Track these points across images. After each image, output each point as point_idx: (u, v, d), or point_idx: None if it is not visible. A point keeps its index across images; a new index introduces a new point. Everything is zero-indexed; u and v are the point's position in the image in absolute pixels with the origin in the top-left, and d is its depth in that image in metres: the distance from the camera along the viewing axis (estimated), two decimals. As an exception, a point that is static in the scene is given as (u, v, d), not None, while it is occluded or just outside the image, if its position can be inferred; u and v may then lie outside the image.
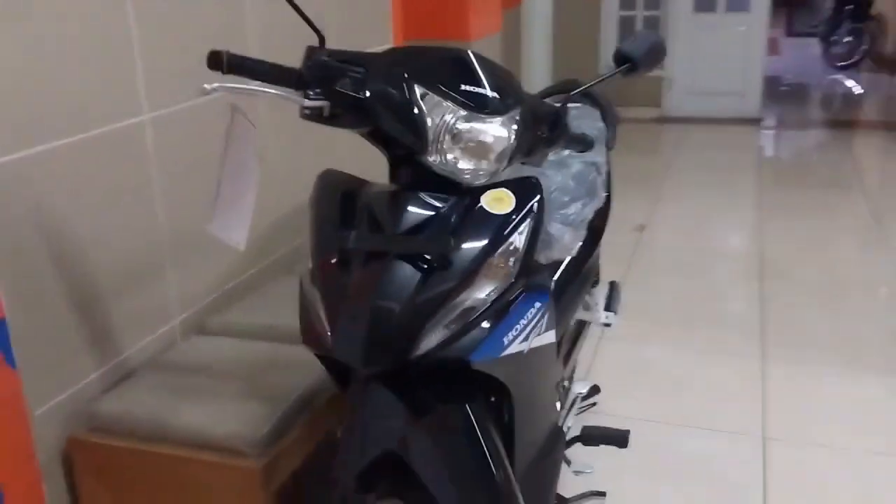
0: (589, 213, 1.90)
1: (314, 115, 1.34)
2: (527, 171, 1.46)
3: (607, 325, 2.20)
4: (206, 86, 1.30)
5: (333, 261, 1.34)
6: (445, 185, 1.35)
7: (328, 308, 1.32)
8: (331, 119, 1.35)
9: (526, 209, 1.35)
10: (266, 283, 2.33)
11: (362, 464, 1.31)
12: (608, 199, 2.13)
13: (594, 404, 2.39)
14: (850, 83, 8.43)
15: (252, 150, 1.44)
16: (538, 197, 1.37)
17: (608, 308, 2.22)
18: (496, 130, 1.32)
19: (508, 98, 1.34)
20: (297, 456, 1.76)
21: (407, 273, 1.27)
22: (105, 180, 1.83)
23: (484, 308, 1.29)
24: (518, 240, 1.33)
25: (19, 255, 1.65)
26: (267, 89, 1.35)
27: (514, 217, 1.33)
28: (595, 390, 2.31)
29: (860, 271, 3.81)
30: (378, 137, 1.38)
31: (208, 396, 1.75)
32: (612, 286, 2.32)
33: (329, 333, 1.31)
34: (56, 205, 1.71)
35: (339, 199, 1.42)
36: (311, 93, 1.33)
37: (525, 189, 1.37)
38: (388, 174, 1.44)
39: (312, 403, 1.81)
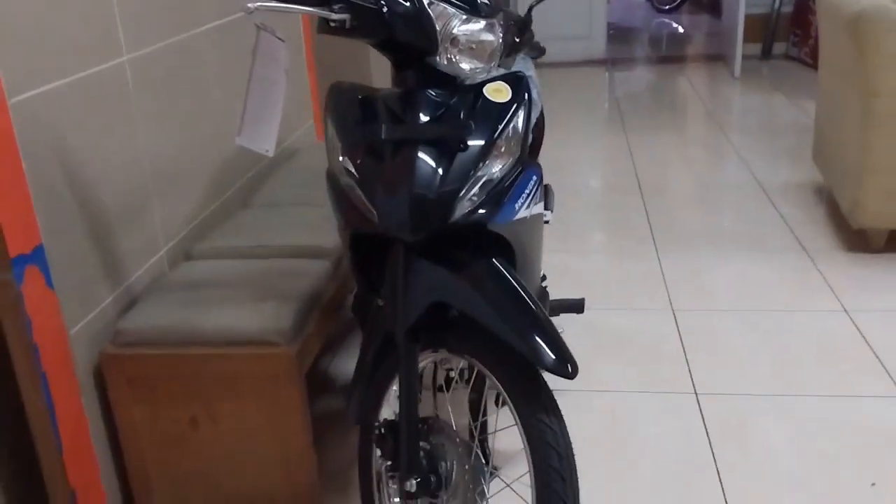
0: (533, 120, 2.19)
1: (337, 29, 1.55)
2: (501, 72, 1.73)
3: (546, 222, 2.52)
4: (249, 5, 1.48)
5: (364, 152, 1.57)
6: (447, 83, 1.60)
7: (370, 192, 1.54)
8: (351, 31, 1.56)
9: (521, 98, 1.62)
10: (233, 214, 2.49)
11: (413, 318, 1.55)
12: (542, 112, 2.43)
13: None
14: (674, 24, 9.18)
15: (279, 65, 1.63)
16: (527, 88, 1.65)
17: (546, 207, 2.54)
18: (488, 33, 1.58)
19: (492, 4, 1.60)
20: (315, 345, 1.97)
21: (436, 155, 1.52)
22: (96, 120, 1.95)
23: (498, 181, 1.56)
24: (518, 123, 1.60)
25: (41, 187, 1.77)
26: (297, 6, 1.54)
27: (513, 104, 1.60)
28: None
29: (716, 174, 4.37)
30: (388, 46, 1.61)
31: (226, 303, 1.93)
32: (547, 187, 2.63)
33: (374, 212, 1.53)
34: (60, 140, 1.83)
35: (357, 101, 1.64)
36: (336, 7, 1.54)
37: (516, 82, 1.64)
38: (392, 80, 1.67)
39: (319, 302, 2.02)
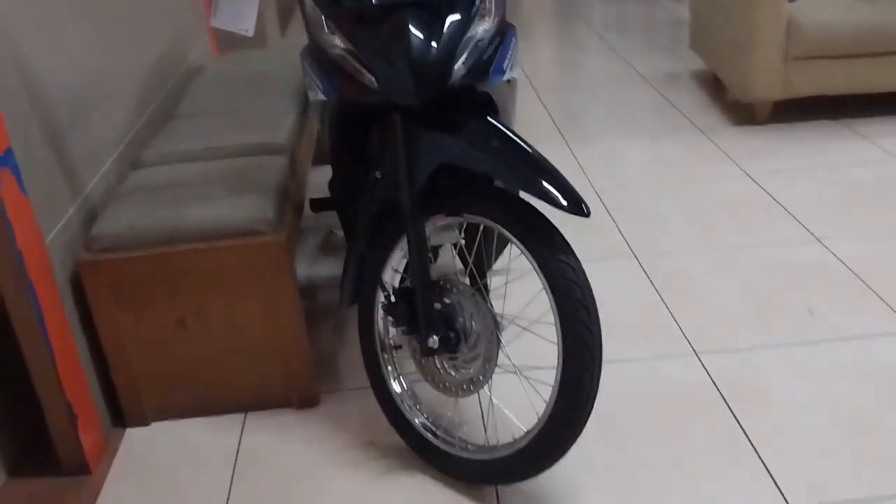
0: None
1: None
2: None
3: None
4: None
5: (354, 21, 1.57)
6: None
7: (368, 60, 1.55)
8: None
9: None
10: (167, 125, 2.42)
11: (421, 181, 1.59)
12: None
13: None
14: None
15: None
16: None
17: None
18: None
19: None
20: (295, 236, 1.98)
21: (427, 19, 1.54)
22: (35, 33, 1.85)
23: (487, 43, 1.61)
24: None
25: None
26: None
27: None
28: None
29: (600, 71, 4.57)
30: None
31: (200, 200, 1.89)
32: None
33: (375, 80, 1.55)
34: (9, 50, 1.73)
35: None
36: None
37: None
38: None
39: (288, 195, 2.02)
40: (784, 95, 3.41)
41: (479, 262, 1.87)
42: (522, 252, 1.55)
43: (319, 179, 2.74)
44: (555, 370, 1.54)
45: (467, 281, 1.82)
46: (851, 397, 1.92)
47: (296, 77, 2.73)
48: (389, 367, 1.84)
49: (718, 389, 1.98)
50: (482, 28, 1.59)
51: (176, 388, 1.96)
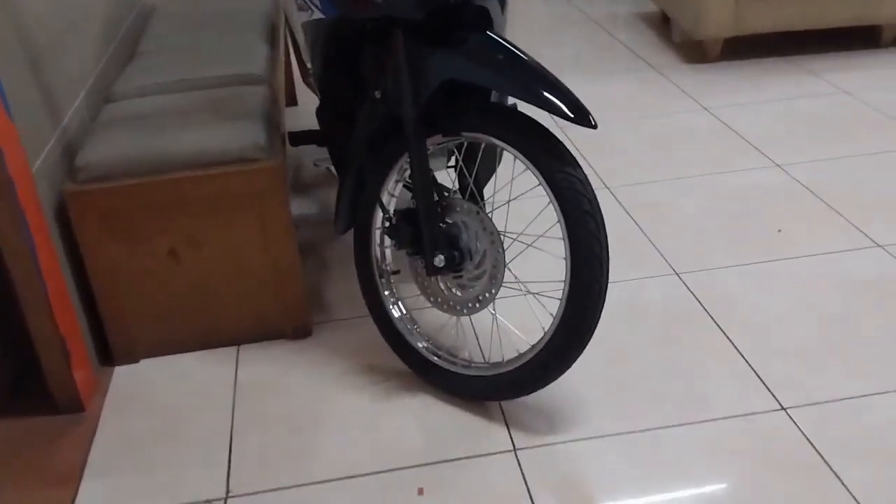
0: None
1: None
2: None
3: None
4: None
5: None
6: None
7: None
8: None
9: None
10: (133, 60, 2.34)
11: (425, 97, 1.59)
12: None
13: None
14: None
15: None
16: None
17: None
18: None
19: None
20: (285, 165, 1.96)
21: None
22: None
23: None
24: None
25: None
26: None
27: None
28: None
29: (552, 15, 4.60)
30: None
31: (188, 128, 1.85)
32: None
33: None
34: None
35: None
36: None
37: None
38: None
39: (274, 123, 1.99)
40: (736, 32, 3.49)
41: (478, 182, 1.89)
42: (528, 167, 1.57)
43: (292, 119, 2.71)
44: (559, 285, 1.57)
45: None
46: (826, 306, 2.02)
47: (260, 13, 2.68)
48: (387, 292, 1.85)
49: (701, 304, 2.05)
50: None
51: (167, 322, 1.93)
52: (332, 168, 2.10)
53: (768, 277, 2.14)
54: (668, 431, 1.68)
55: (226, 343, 1.99)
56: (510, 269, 1.70)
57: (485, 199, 1.96)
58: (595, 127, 1.50)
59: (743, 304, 2.05)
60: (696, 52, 3.73)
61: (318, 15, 1.66)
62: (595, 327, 1.58)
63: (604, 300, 1.57)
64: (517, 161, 1.58)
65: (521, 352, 1.68)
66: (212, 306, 1.93)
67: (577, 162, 1.55)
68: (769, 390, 1.76)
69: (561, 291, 1.57)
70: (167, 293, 1.90)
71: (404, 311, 1.85)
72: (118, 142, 1.82)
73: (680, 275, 2.18)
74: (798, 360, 1.84)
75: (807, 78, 3.40)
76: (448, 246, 1.67)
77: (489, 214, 1.66)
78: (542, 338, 1.63)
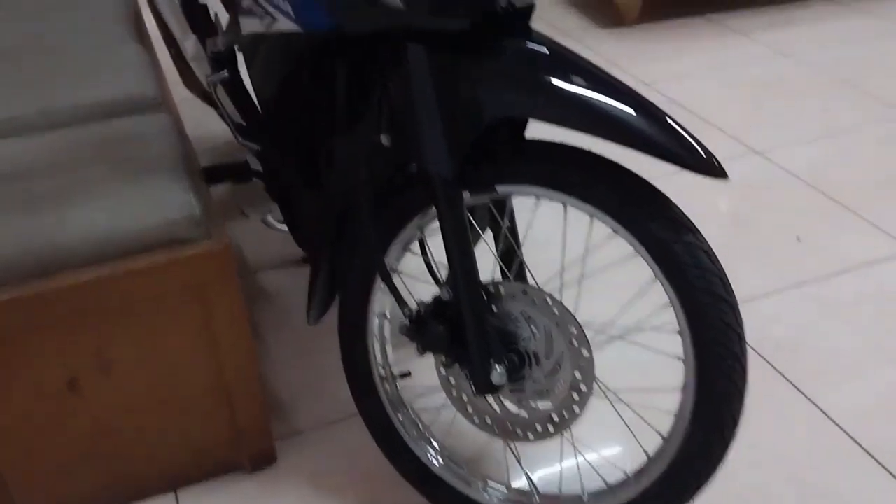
0: None
1: None
2: None
3: None
4: None
5: None
6: None
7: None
8: None
9: None
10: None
11: (466, 145, 1.07)
12: None
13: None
14: None
15: None
16: None
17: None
18: None
19: None
20: (225, 228, 1.37)
21: None
22: None
23: None
24: None
25: None
26: None
27: None
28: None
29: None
30: None
31: (77, 197, 1.23)
32: None
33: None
34: None
35: None
36: None
37: None
38: None
39: (195, 172, 1.39)
40: (656, -9, 3.13)
41: (510, 250, 1.38)
42: (616, 231, 1.10)
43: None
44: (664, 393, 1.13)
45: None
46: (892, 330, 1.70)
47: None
48: (393, 404, 1.33)
49: (755, 350, 1.67)
50: None
51: (72, 477, 1.32)
52: (281, 226, 1.53)
53: (816, 304, 1.79)
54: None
55: (158, 490, 1.40)
56: (599, 382, 1.21)
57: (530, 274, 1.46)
58: (726, 177, 1.04)
59: (804, 345, 1.68)
60: (608, 14, 3.33)
61: (283, 26, 1.09)
62: (727, 452, 1.15)
63: (742, 411, 1.13)
64: (590, 220, 1.11)
65: (611, 484, 1.22)
66: (132, 445, 1.34)
67: (693, 224, 1.09)
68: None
69: (673, 400, 1.12)
70: (62, 441, 1.28)
71: (422, 428, 1.34)
72: (-33, 230, 1.17)
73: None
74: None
75: (737, 39, 3.08)
76: (504, 349, 1.18)
77: (559, 299, 1.17)
78: (645, 467, 1.18)
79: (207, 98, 2.05)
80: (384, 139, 1.13)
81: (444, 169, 1.08)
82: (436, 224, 1.19)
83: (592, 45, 3.10)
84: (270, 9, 1.10)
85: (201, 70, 1.92)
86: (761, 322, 1.73)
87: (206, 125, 2.47)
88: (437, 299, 1.18)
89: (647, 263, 1.08)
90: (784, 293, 1.82)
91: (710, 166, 1.01)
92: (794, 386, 1.57)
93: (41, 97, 1.50)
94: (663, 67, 2.89)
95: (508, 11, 1.06)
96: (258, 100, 1.44)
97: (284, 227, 1.59)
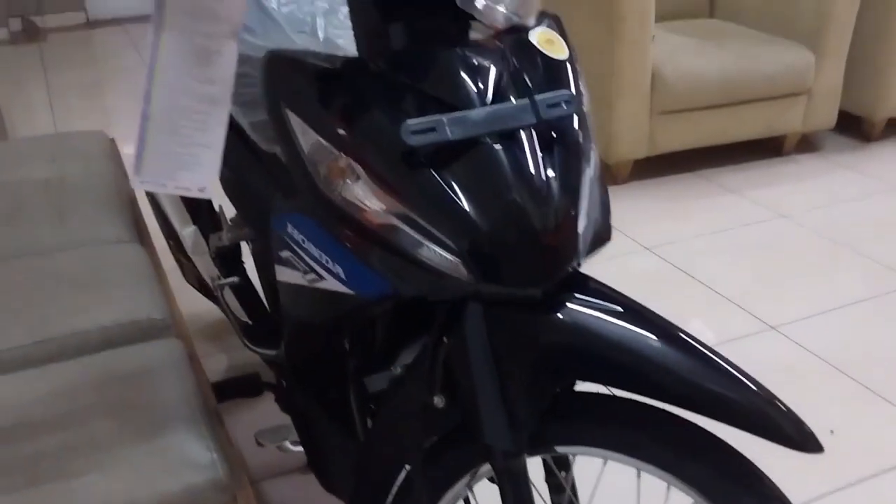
0: None
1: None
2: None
3: None
4: None
5: (408, 166, 0.91)
6: (465, 33, 1.00)
7: (444, 229, 0.90)
8: None
9: (574, 49, 1.09)
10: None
11: (534, 416, 0.96)
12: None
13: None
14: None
15: (223, 23, 0.86)
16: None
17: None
18: None
19: None
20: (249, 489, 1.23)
21: (535, 148, 0.93)
22: None
23: (598, 179, 1.03)
24: (583, 86, 1.07)
25: None
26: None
27: (573, 61, 1.06)
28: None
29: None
30: None
31: (83, 461, 1.09)
32: None
33: (458, 260, 0.90)
34: None
35: (341, 80, 0.96)
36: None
37: (559, 25, 1.10)
38: (360, 47, 1.01)
39: (211, 409, 1.26)
40: (649, 153, 3.13)
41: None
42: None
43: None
44: None
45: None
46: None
47: (104, 185, 1.90)
48: None
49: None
50: (588, 159, 1.01)
51: None
52: (298, 448, 1.40)
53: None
54: None
55: None
56: None
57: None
58: (822, 451, 0.94)
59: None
60: (604, 172, 3.33)
61: (330, 286, 0.99)
62: None
63: None
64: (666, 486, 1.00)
65: None
66: None
67: (789, 501, 0.98)
68: None
69: None
70: None
71: None
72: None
73: None
74: None
75: (730, 198, 3.08)
76: None
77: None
78: None
79: (208, 293, 1.94)
80: (437, 401, 1.02)
81: (506, 443, 0.97)
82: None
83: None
84: (317, 268, 1.01)
85: (203, 264, 1.81)
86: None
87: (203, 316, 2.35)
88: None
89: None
90: (824, 499, 1.71)
91: (813, 442, 0.92)
92: None
93: (36, 324, 1.38)
94: (662, 229, 2.86)
95: (574, 271, 0.98)
96: (268, 301, 1.34)
97: (302, 451, 1.46)
